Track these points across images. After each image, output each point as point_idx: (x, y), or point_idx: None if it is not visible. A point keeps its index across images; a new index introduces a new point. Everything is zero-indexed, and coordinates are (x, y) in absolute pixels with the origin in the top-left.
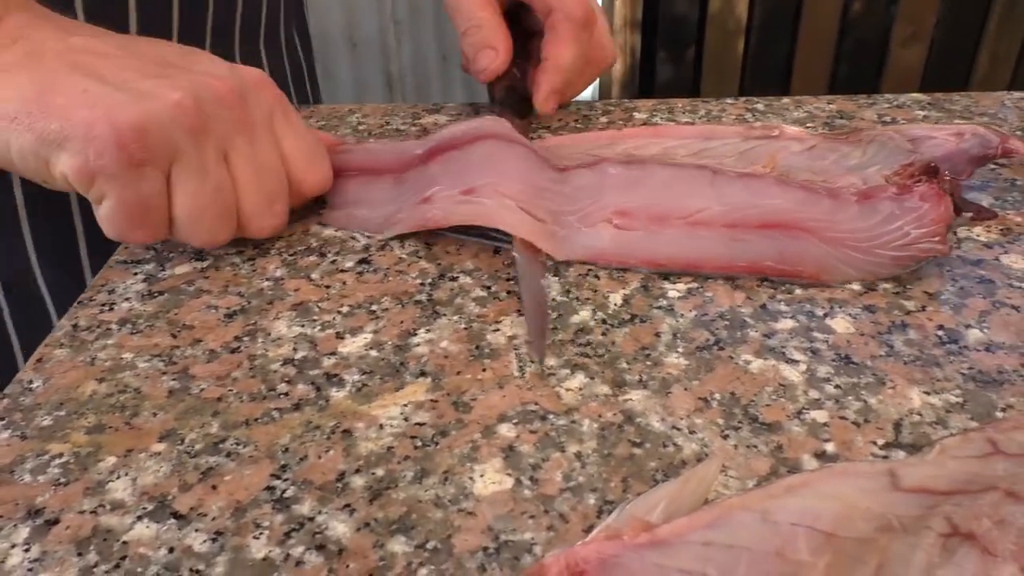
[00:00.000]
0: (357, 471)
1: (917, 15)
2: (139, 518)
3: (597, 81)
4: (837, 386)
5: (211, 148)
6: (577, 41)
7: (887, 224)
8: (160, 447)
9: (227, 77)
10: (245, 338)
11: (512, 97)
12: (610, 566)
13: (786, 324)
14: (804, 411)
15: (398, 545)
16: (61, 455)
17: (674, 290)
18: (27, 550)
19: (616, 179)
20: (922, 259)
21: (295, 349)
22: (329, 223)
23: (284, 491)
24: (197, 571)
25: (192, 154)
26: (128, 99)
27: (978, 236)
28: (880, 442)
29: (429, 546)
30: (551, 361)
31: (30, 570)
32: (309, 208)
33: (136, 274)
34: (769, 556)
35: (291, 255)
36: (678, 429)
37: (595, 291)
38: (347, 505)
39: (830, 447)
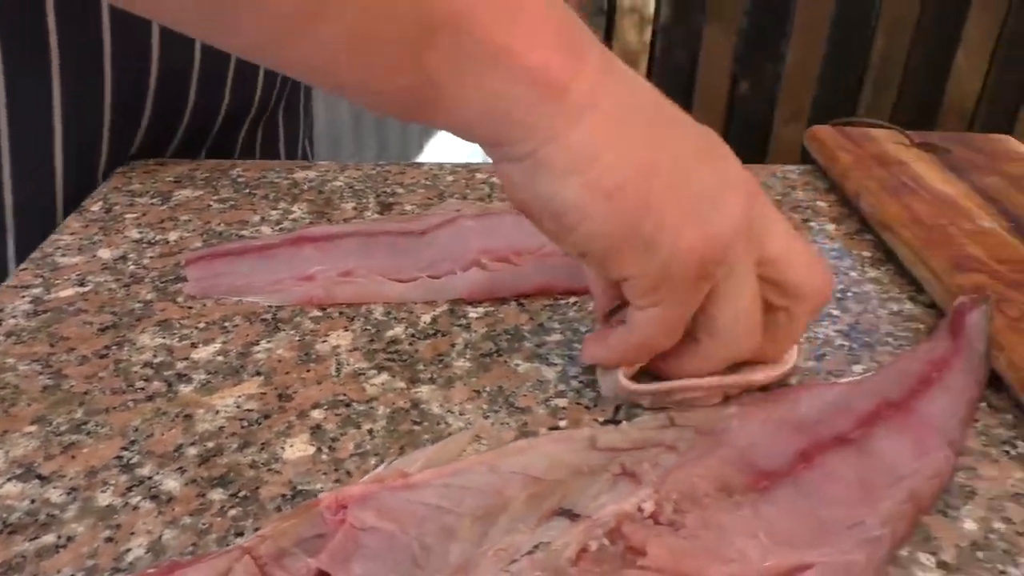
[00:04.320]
0: (192, 444)
1: (797, 95)
2: (8, 480)
3: None
4: (581, 381)
5: (750, 257)
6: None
7: None
8: (32, 428)
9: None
10: (113, 347)
11: None
12: (368, 500)
13: (555, 337)
14: (551, 399)
15: (216, 494)
16: None
17: (474, 312)
18: None
19: (475, 230)
20: None
21: (155, 355)
22: (192, 293)
23: (131, 459)
24: (52, 515)
25: (741, 266)
26: (712, 211)
27: None
28: (601, 420)
29: (241, 495)
30: (363, 364)
31: None
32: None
33: (24, 296)
34: (489, 493)
35: (163, 283)
36: (452, 412)
37: (411, 312)
38: (180, 468)
39: (563, 423)
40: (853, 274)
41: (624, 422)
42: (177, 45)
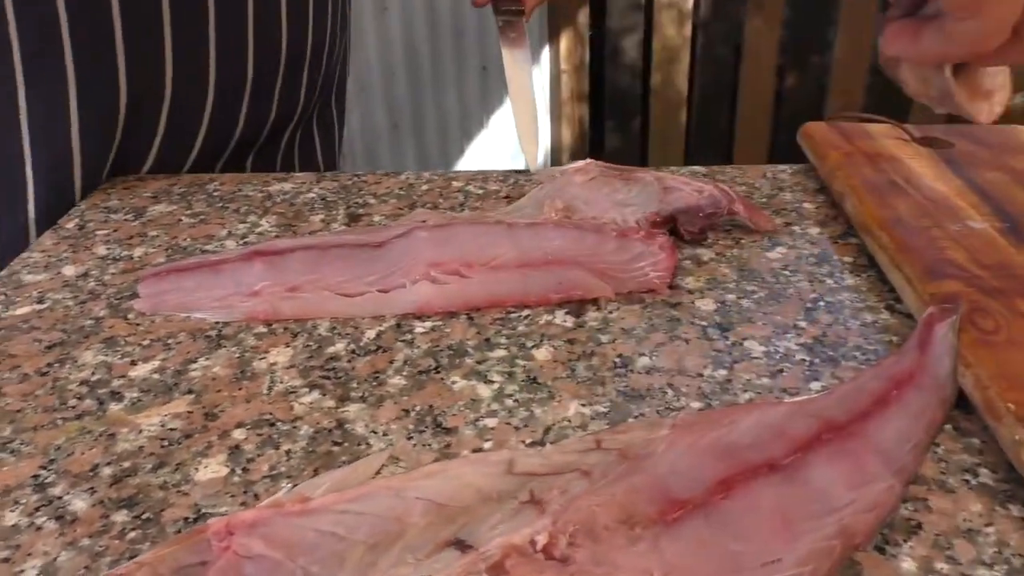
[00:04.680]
0: (109, 463)
1: (848, 87)
2: None
3: (548, 146)
4: (515, 400)
5: None
6: None
7: (636, 261)
8: None
9: None
10: (56, 364)
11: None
12: (258, 526)
13: (499, 353)
14: (480, 419)
15: (120, 516)
16: None
17: (421, 327)
18: None
19: (428, 241)
20: (650, 290)
21: (93, 373)
22: (142, 309)
23: (46, 478)
24: None
25: None
26: None
27: (687, 283)
28: (528, 441)
29: (144, 517)
30: (296, 381)
31: None
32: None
33: None
34: (388, 519)
35: (118, 299)
36: (375, 433)
37: (356, 328)
38: (91, 488)
39: (488, 445)
40: (829, 282)
41: (549, 444)
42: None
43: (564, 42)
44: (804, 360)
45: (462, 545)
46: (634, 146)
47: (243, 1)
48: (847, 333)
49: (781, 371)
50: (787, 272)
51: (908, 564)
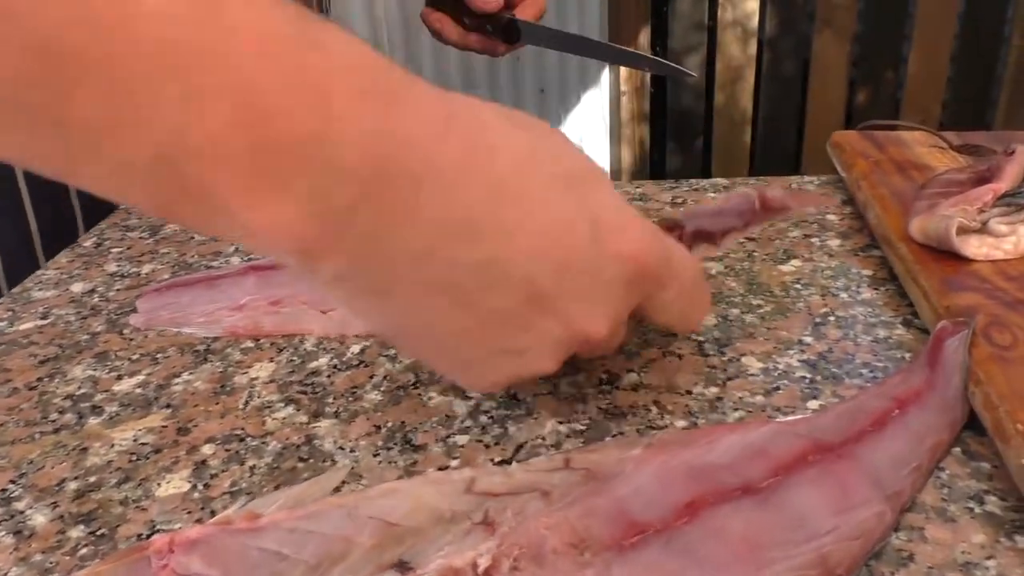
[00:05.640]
0: (76, 478)
1: (923, 102)
2: None
3: (608, 167)
4: (490, 417)
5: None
6: None
7: None
8: None
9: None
10: (45, 378)
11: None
12: (200, 544)
13: None
14: (451, 436)
15: (77, 532)
16: None
17: None
18: None
19: None
20: None
21: (80, 387)
22: (137, 325)
23: (13, 492)
24: None
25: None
26: (493, 369)
27: None
28: (497, 459)
29: (99, 532)
30: (273, 396)
31: None
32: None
33: None
34: (336, 539)
35: (117, 315)
36: (343, 449)
37: (341, 343)
38: (54, 503)
39: (455, 463)
40: (844, 296)
41: (515, 463)
42: None
43: None
44: (804, 377)
45: (404, 567)
46: (696, 166)
47: None
48: (856, 349)
49: (777, 388)
50: (799, 286)
51: None
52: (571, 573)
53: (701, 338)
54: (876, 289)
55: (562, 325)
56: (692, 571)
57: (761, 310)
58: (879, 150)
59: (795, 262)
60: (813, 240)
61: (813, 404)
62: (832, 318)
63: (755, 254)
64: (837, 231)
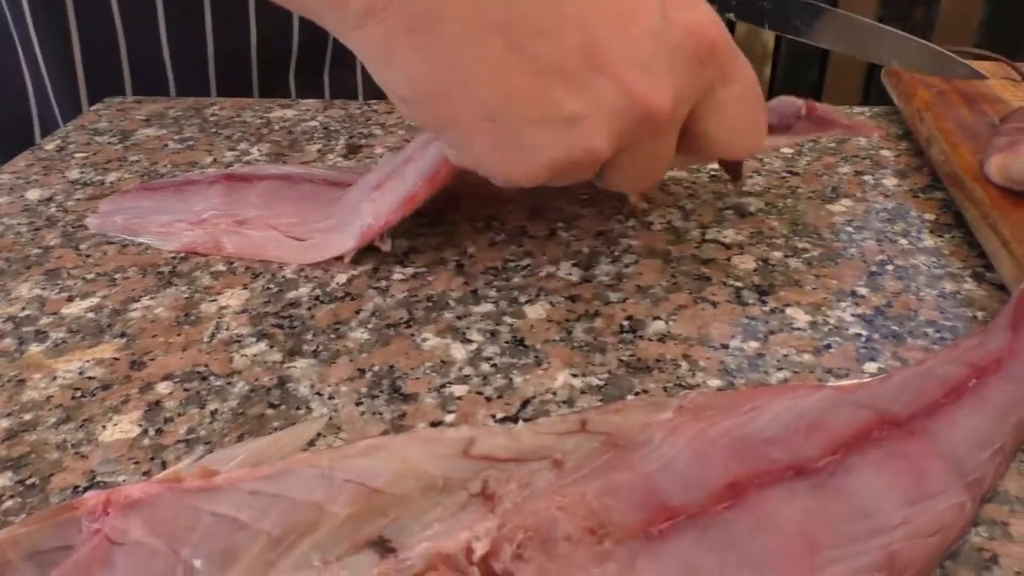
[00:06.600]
0: (9, 415)
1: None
2: None
3: None
4: (493, 365)
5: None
6: None
7: None
8: None
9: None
10: None
11: None
12: (142, 506)
13: (484, 308)
14: (446, 385)
15: (2, 479)
16: None
17: (400, 273)
18: None
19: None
20: None
21: (23, 309)
22: (92, 227)
23: None
24: None
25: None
26: (538, 145)
27: (725, 237)
28: (499, 415)
29: (28, 482)
30: (244, 329)
31: None
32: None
33: None
34: (304, 506)
35: (74, 228)
36: (320, 395)
37: (326, 271)
38: None
39: (450, 418)
40: (903, 242)
41: (523, 422)
42: None
43: None
44: (859, 335)
45: (384, 547)
46: None
47: None
48: (919, 304)
49: (828, 347)
50: (850, 228)
51: None
52: (587, 566)
53: (738, 283)
54: (940, 236)
55: (621, 91)
56: (735, 569)
57: (808, 254)
58: (943, 80)
59: (846, 201)
60: (866, 177)
61: (871, 367)
62: (890, 267)
63: (799, 190)
64: (893, 168)
